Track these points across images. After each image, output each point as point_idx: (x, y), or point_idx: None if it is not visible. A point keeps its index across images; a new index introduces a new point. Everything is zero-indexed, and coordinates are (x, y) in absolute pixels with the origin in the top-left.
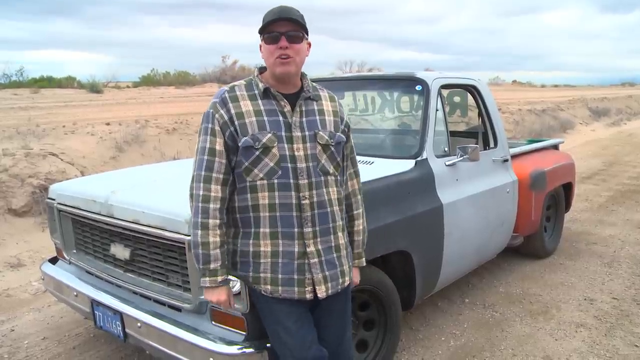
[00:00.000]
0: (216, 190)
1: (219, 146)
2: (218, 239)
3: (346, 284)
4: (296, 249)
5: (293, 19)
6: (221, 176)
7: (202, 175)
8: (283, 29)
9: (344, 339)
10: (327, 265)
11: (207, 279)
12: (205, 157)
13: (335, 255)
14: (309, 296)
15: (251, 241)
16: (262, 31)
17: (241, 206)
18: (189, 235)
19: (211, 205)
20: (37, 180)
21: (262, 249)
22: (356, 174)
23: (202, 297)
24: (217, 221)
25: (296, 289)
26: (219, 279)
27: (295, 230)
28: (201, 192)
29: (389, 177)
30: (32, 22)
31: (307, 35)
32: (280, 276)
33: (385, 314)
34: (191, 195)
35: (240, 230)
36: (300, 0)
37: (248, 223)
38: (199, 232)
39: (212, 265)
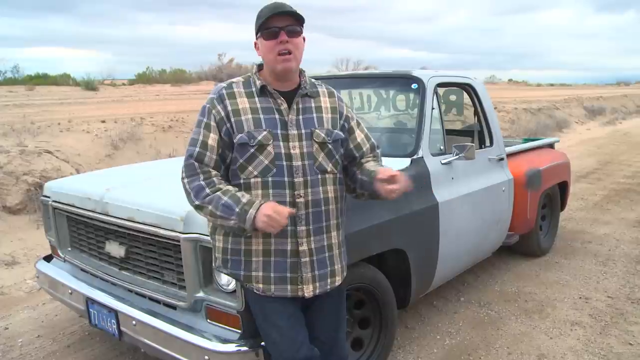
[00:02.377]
0: (205, 177)
1: (212, 141)
2: (223, 187)
3: (337, 283)
4: (289, 247)
5: (291, 13)
6: (209, 170)
7: (190, 164)
8: (282, 24)
9: (338, 338)
10: (318, 265)
11: (252, 210)
12: (197, 149)
13: (327, 254)
14: (301, 294)
15: (242, 239)
16: (260, 28)
17: None
18: (184, 233)
19: (202, 182)
20: (32, 177)
21: (253, 247)
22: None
23: (198, 294)
24: (215, 186)
25: (289, 287)
26: (257, 200)
27: (289, 228)
28: (191, 176)
29: None
30: (26, 18)
31: (303, 29)
32: (272, 275)
33: (380, 313)
34: (184, 188)
35: None
36: None
37: None
38: (207, 190)
39: (244, 199)
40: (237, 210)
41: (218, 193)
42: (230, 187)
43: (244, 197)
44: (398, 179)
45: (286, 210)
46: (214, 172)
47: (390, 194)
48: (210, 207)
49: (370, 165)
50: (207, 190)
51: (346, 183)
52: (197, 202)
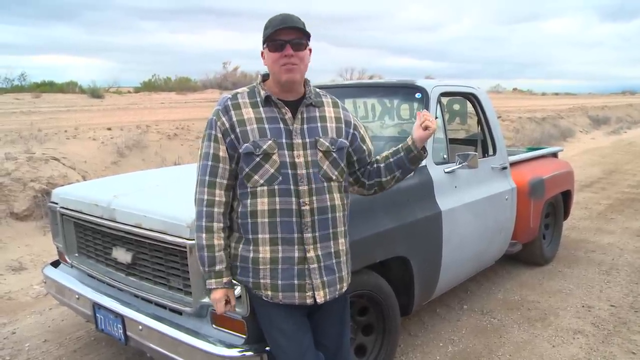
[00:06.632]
0: (220, 195)
1: (223, 152)
2: (222, 241)
3: (344, 289)
4: (296, 255)
5: (298, 27)
6: (225, 182)
7: (206, 180)
8: (288, 37)
9: (342, 344)
10: (326, 271)
11: (214, 280)
12: (210, 163)
13: (334, 261)
14: (309, 301)
15: (251, 247)
16: (266, 39)
17: (242, 212)
18: (191, 240)
19: (215, 209)
20: (38, 184)
21: (261, 255)
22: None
23: (203, 300)
24: (221, 225)
25: (297, 294)
26: (224, 279)
27: (296, 235)
28: (205, 197)
29: None
30: (31, 26)
31: (309, 42)
32: (280, 282)
33: (383, 320)
34: (195, 200)
35: (242, 236)
36: (299, 6)
37: (247, 229)
38: (204, 235)
39: (217, 267)
40: (206, 269)
41: (203, 242)
42: (216, 242)
43: (219, 264)
44: (427, 115)
45: (222, 308)
46: (217, 210)
47: (429, 124)
48: (196, 242)
49: (387, 152)
50: (203, 235)
51: (361, 186)
52: (197, 223)
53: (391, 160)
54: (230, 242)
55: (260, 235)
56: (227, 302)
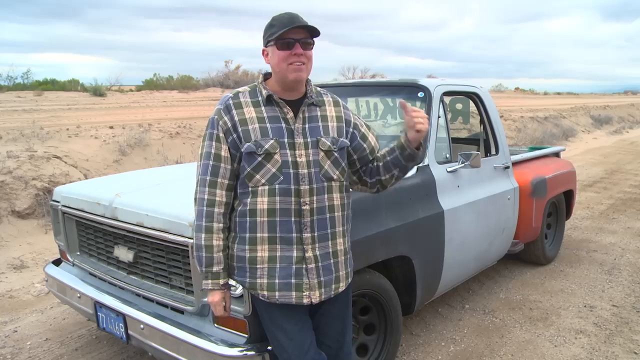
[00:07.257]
0: (221, 195)
1: (224, 152)
2: (221, 242)
3: (340, 289)
4: (295, 254)
5: (308, 27)
6: (226, 181)
7: (207, 179)
8: (298, 36)
9: (344, 344)
10: (324, 271)
11: (210, 281)
12: (211, 162)
13: (332, 261)
14: (306, 301)
15: (247, 247)
16: (274, 38)
17: (241, 210)
18: (193, 238)
19: (216, 209)
20: (40, 182)
21: (259, 254)
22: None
23: (205, 299)
24: (221, 225)
25: (294, 293)
26: (221, 281)
27: (294, 235)
28: (206, 196)
29: None
30: (33, 24)
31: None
32: (277, 281)
33: (385, 319)
34: (196, 200)
35: (237, 235)
36: (302, 4)
37: (244, 228)
38: (203, 235)
39: (214, 268)
40: (203, 269)
41: (202, 242)
42: (215, 243)
43: (216, 265)
44: (418, 113)
45: (220, 311)
46: (217, 210)
47: (421, 127)
48: (194, 242)
49: (384, 150)
50: (202, 235)
51: (363, 184)
52: (196, 223)
53: (388, 159)
54: (228, 243)
55: (258, 234)
56: (224, 306)
